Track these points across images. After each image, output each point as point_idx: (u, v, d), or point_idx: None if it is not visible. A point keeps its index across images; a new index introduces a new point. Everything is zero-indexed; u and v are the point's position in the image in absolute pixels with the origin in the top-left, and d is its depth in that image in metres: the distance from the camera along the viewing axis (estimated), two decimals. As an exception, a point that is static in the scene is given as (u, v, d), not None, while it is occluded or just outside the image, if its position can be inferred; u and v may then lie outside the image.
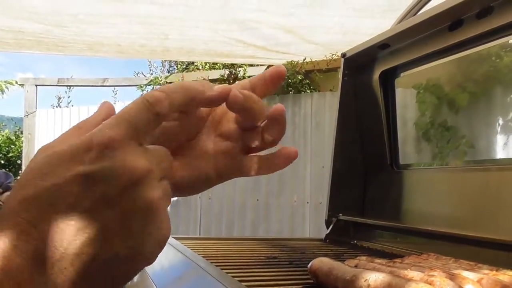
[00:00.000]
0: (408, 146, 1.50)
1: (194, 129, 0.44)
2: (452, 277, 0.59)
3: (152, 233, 0.34)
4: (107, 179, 0.32)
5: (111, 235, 0.32)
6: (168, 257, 1.06)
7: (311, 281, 0.76)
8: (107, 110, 0.39)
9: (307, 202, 4.22)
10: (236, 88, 0.41)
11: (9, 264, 0.29)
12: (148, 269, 0.95)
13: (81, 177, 0.31)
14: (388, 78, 1.44)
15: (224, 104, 0.44)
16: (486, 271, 0.67)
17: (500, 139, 1.40)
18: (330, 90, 4.26)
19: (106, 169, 0.32)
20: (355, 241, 1.39)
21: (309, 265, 0.75)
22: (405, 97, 1.51)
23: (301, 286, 0.75)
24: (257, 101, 0.42)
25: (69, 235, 0.31)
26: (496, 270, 0.68)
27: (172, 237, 1.26)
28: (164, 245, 0.35)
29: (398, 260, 0.77)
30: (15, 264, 0.29)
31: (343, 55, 1.49)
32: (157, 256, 0.35)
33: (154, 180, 0.34)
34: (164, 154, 0.36)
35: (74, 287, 0.31)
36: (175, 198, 4.20)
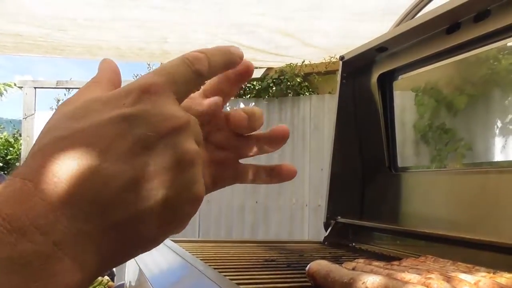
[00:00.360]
0: (407, 149, 1.51)
1: None
2: (449, 279, 0.60)
3: (187, 188, 0.32)
4: (147, 122, 0.30)
5: (148, 183, 0.30)
6: (167, 260, 1.06)
7: (309, 283, 0.76)
8: (110, 66, 0.38)
9: (306, 205, 4.22)
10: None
11: (32, 208, 0.26)
12: (147, 272, 0.95)
13: (120, 119, 0.29)
14: (386, 81, 1.45)
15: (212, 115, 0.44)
16: (484, 274, 0.68)
17: (498, 141, 1.40)
18: (329, 93, 4.27)
19: (147, 112, 0.30)
20: (353, 244, 1.39)
21: (307, 268, 0.75)
22: (403, 100, 1.51)
23: (299, 289, 0.75)
24: (258, 112, 0.42)
25: (103, 181, 0.28)
26: (494, 273, 0.69)
27: (170, 239, 1.26)
28: (198, 207, 0.33)
29: (396, 262, 0.78)
30: (39, 208, 0.26)
31: (342, 58, 1.49)
32: (189, 220, 0.34)
33: (191, 134, 0.32)
34: (196, 120, 0.35)
35: (100, 237, 0.28)
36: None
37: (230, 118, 0.41)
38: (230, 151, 0.43)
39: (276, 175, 0.44)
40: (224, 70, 0.38)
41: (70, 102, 0.33)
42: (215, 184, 0.43)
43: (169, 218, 0.31)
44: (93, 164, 0.28)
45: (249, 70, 0.41)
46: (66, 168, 0.27)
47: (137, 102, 0.30)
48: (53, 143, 0.29)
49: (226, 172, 0.43)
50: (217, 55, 0.36)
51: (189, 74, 0.33)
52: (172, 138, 0.31)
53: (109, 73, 0.37)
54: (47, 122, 0.32)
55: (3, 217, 0.25)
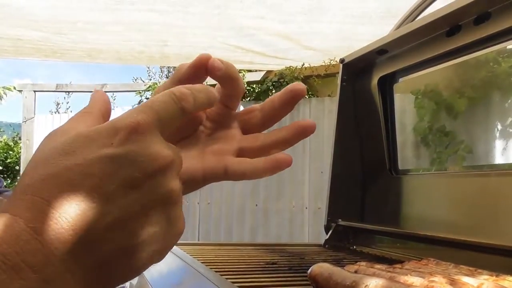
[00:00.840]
0: (407, 152, 1.51)
1: (188, 129, 0.45)
2: (452, 282, 0.60)
3: (171, 224, 0.33)
4: (135, 163, 0.31)
5: (132, 222, 0.31)
6: (167, 262, 1.06)
7: (311, 286, 0.76)
8: (102, 97, 0.39)
9: (306, 208, 4.22)
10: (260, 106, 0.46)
11: (25, 247, 0.27)
12: (147, 275, 0.94)
13: (108, 159, 0.30)
14: (387, 83, 1.45)
15: (220, 109, 0.45)
16: (486, 277, 0.67)
17: (498, 144, 1.40)
18: (329, 96, 4.28)
19: (134, 153, 0.31)
20: (354, 247, 1.39)
21: (308, 271, 0.75)
22: (403, 103, 1.51)
23: (301, 292, 0.75)
24: (237, 72, 0.43)
25: (91, 219, 0.29)
26: (496, 276, 0.69)
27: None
28: (178, 240, 0.35)
29: (398, 265, 0.77)
30: (31, 246, 0.27)
31: (342, 60, 1.49)
32: (169, 251, 0.35)
33: (175, 172, 0.34)
34: (179, 152, 0.36)
35: (87, 272, 0.30)
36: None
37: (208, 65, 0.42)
38: (227, 144, 0.44)
39: (269, 163, 0.43)
40: (207, 108, 0.39)
41: (61, 133, 0.34)
42: (205, 177, 0.43)
43: (153, 251, 0.33)
44: (81, 204, 0.29)
45: (300, 92, 0.46)
46: (55, 208, 0.28)
47: (125, 143, 0.31)
48: (42, 180, 0.30)
49: (218, 164, 0.43)
50: (202, 92, 0.37)
51: (175, 111, 0.35)
52: (158, 178, 0.32)
53: (100, 104, 0.38)
54: (38, 150, 0.33)
55: None
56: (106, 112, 0.38)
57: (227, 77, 0.43)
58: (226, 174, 0.43)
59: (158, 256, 0.34)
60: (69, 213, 0.29)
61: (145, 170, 0.31)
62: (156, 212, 0.32)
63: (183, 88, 0.36)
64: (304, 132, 0.46)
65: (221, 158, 0.43)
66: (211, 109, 0.45)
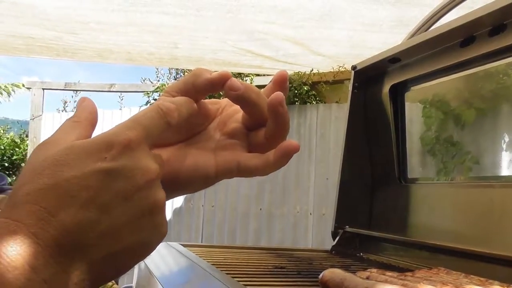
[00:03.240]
0: (416, 160, 1.51)
1: (200, 125, 0.46)
2: (464, 291, 0.60)
3: (156, 230, 0.37)
4: (127, 177, 0.35)
5: (122, 229, 0.34)
6: (176, 262, 1.06)
7: (321, 291, 0.76)
8: (90, 106, 0.41)
9: (310, 213, 4.22)
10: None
11: (26, 249, 0.30)
12: (157, 274, 0.95)
13: (103, 173, 0.34)
14: (398, 92, 1.45)
15: (232, 107, 0.47)
16: (498, 287, 0.68)
17: (505, 156, 1.40)
18: (336, 102, 4.28)
19: (127, 167, 0.35)
20: (361, 254, 1.39)
21: (320, 276, 0.75)
22: (411, 112, 1.51)
23: (312, 296, 0.75)
24: (258, 93, 0.43)
25: (86, 227, 0.33)
26: (507, 286, 0.69)
27: (179, 244, 1.27)
28: (160, 242, 0.39)
29: (409, 273, 0.78)
30: (32, 249, 0.30)
31: (354, 67, 1.50)
32: (152, 251, 0.39)
33: (159, 183, 0.37)
34: (162, 161, 0.40)
35: (81, 275, 0.33)
36: (178, 205, 4.17)
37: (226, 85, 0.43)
38: (239, 140, 0.45)
39: (276, 152, 0.42)
40: (187, 120, 0.42)
41: (52, 143, 0.36)
42: (217, 174, 0.44)
43: (140, 253, 0.37)
44: (78, 213, 0.32)
45: (283, 77, 0.45)
46: (53, 215, 0.32)
47: (119, 158, 0.34)
48: (40, 190, 0.32)
49: (230, 160, 0.44)
50: (184, 106, 0.41)
51: (161, 125, 0.38)
52: (146, 189, 0.36)
53: (87, 113, 0.40)
54: (31, 160, 0.35)
55: (3, 257, 0.30)
56: (94, 121, 0.40)
57: (243, 100, 0.43)
58: (238, 170, 0.43)
59: (142, 257, 0.38)
60: (67, 222, 0.32)
61: (137, 183, 0.35)
62: (143, 220, 0.36)
63: (168, 103, 0.39)
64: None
65: (234, 153, 0.44)
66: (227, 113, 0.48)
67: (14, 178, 6.95)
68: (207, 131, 0.46)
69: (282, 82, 0.45)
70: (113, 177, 0.34)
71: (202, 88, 0.43)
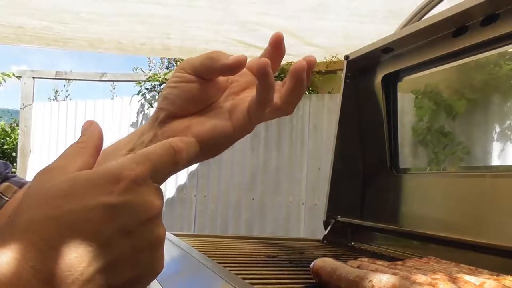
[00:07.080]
0: (408, 151, 1.52)
1: (213, 96, 0.49)
2: (454, 280, 0.60)
3: (154, 265, 0.37)
4: (131, 212, 0.34)
5: (122, 264, 0.34)
6: (168, 252, 1.06)
7: (313, 280, 0.76)
8: (96, 131, 0.41)
9: (302, 204, 4.23)
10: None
11: (21, 283, 0.30)
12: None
13: (108, 207, 0.33)
14: (391, 82, 1.45)
15: (241, 81, 0.50)
16: (487, 276, 0.68)
17: (496, 146, 1.41)
18: (329, 92, 4.28)
19: (132, 203, 0.34)
20: (352, 243, 1.40)
21: (311, 265, 0.75)
22: (403, 102, 1.52)
23: (303, 285, 0.76)
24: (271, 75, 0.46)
25: (85, 262, 0.32)
26: (497, 275, 0.69)
27: (171, 233, 1.27)
28: (157, 276, 0.38)
29: (400, 262, 0.78)
30: (32, 285, 0.30)
31: (346, 57, 1.49)
32: (149, 284, 0.38)
33: (161, 218, 0.37)
34: (163, 197, 0.39)
35: None
36: (170, 196, 4.15)
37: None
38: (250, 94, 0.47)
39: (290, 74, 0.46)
40: (193, 159, 0.42)
41: (57, 170, 0.36)
42: (235, 126, 0.46)
43: (134, 286, 0.36)
44: (80, 247, 0.32)
45: (278, 38, 0.49)
46: (54, 249, 0.31)
47: (125, 193, 0.34)
48: (42, 221, 0.32)
49: (246, 111, 0.46)
50: (192, 148, 0.41)
51: (170, 165, 0.38)
52: (148, 225, 0.35)
53: (93, 139, 0.40)
54: (35, 186, 0.35)
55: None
56: (99, 147, 0.40)
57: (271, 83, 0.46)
58: (250, 122, 0.46)
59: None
60: (67, 255, 0.31)
61: (140, 219, 0.35)
62: (142, 255, 0.35)
63: (180, 142, 0.39)
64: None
65: (244, 107, 0.46)
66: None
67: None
68: (220, 100, 0.49)
69: (278, 43, 0.48)
70: (117, 212, 0.33)
71: (219, 72, 0.46)
